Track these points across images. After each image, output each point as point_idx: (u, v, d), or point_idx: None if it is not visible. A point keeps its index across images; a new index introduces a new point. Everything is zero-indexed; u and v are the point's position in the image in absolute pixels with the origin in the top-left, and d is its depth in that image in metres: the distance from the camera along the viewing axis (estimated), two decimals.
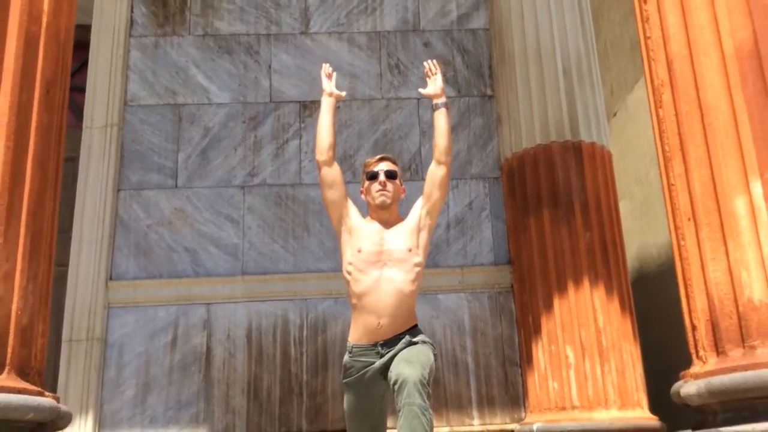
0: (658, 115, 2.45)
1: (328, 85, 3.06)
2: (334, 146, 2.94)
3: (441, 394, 4.62)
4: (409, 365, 2.42)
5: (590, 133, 4.76)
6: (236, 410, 4.56)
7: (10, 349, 2.05)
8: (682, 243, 2.31)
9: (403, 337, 2.69)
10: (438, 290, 4.78)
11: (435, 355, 2.67)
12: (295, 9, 5.37)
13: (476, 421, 4.61)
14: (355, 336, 2.78)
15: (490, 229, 4.98)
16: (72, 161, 5.08)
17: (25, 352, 2.11)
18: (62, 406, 2.17)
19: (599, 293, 4.41)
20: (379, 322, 2.68)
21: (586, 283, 4.42)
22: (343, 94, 3.09)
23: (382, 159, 3.00)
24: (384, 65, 5.29)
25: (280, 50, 5.28)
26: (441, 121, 2.91)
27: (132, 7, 5.27)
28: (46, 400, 2.08)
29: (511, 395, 4.65)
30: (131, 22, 5.26)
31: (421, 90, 3.08)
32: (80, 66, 5.45)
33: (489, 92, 5.27)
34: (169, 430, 4.50)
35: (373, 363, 2.67)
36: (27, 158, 2.18)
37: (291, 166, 5.05)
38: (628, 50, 7.85)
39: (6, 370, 2.02)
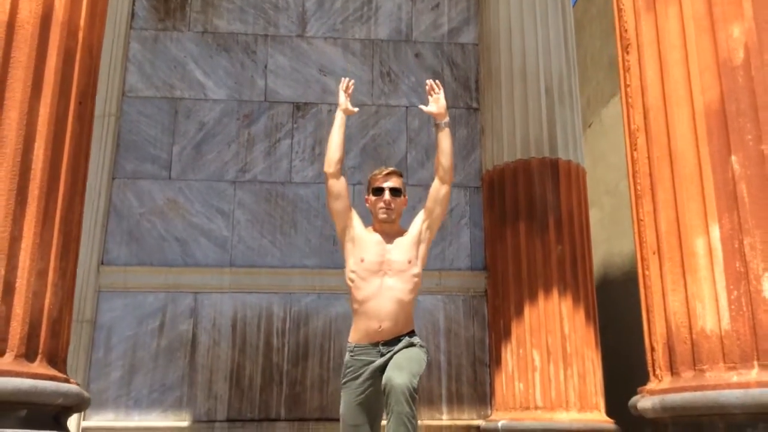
0: (632, 157, 2.73)
1: (344, 101, 3.13)
2: (343, 160, 3.05)
3: None
4: (401, 372, 2.61)
5: (567, 151, 5.05)
6: (218, 396, 4.78)
7: (42, 340, 2.25)
8: (647, 273, 2.60)
9: (402, 339, 2.87)
10: None
11: (428, 360, 2.89)
12: (293, 12, 5.56)
13: (445, 416, 4.90)
14: (356, 337, 2.93)
15: (468, 235, 5.26)
16: None
17: (54, 343, 2.32)
18: (85, 392, 2.38)
19: (567, 303, 4.72)
20: (380, 326, 2.85)
21: (555, 292, 4.73)
22: (356, 110, 3.16)
23: (389, 174, 3.06)
24: (376, 72, 5.52)
25: (276, 51, 5.47)
26: (446, 141, 3.01)
27: (134, 1, 5.40)
28: (74, 387, 2.29)
29: (479, 393, 4.96)
30: (132, 15, 5.39)
31: (423, 107, 3.14)
32: None
33: (475, 105, 5.53)
34: (153, 411, 4.72)
35: (374, 361, 2.82)
36: (62, 166, 2.37)
37: (282, 164, 5.26)
38: (606, 65, 8.17)
39: (39, 358, 2.23)
